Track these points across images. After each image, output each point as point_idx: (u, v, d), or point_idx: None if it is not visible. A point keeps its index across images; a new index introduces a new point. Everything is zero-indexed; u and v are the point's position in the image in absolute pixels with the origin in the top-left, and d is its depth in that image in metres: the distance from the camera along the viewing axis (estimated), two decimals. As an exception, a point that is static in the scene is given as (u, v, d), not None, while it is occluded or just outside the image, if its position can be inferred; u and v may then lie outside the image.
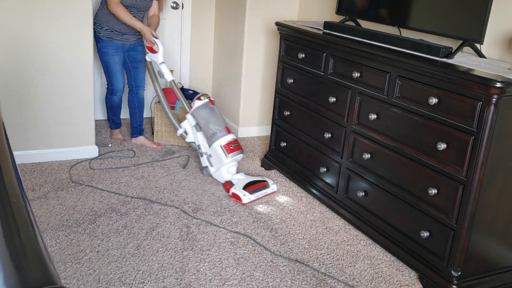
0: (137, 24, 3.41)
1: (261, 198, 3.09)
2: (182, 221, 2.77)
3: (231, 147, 3.14)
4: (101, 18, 3.46)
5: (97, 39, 3.50)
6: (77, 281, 2.21)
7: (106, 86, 3.70)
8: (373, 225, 2.68)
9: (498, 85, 1.98)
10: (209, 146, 3.20)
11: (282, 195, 3.19)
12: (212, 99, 3.28)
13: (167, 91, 3.84)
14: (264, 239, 2.66)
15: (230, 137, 3.17)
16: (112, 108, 3.74)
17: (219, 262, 2.43)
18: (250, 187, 3.06)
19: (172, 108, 3.79)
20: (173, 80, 3.43)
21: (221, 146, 3.13)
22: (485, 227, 2.25)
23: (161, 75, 3.44)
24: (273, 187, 3.18)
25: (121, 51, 3.56)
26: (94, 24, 3.44)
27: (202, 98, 3.25)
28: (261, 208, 2.99)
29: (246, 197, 3.00)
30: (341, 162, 2.87)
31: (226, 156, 3.13)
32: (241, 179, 3.15)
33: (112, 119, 3.82)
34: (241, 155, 3.21)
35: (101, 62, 3.60)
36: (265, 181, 3.17)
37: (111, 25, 3.45)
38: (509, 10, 2.48)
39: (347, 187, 2.85)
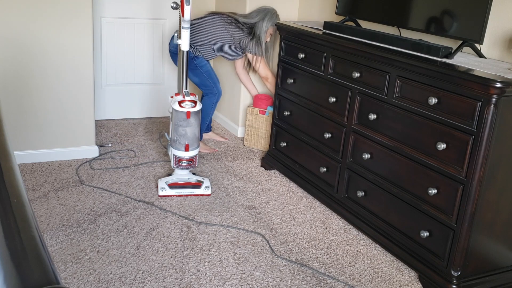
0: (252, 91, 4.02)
1: (184, 196, 3.06)
2: (182, 221, 2.78)
3: (180, 163, 3.10)
4: (206, 51, 3.59)
5: (190, 57, 3.54)
6: (77, 281, 2.21)
7: (207, 97, 3.74)
8: (373, 225, 2.68)
9: (498, 85, 1.98)
10: (169, 142, 3.16)
11: (283, 195, 3.20)
12: (190, 111, 2.98)
13: (259, 98, 3.90)
14: (264, 239, 2.66)
15: (184, 155, 3.08)
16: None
17: (219, 262, 2.43)
18: (177, 183, 3.10)
19: (263, 113, 3.84)
20: (186, 52, 3.06)
21: (174, 155, 3.09)
22: (485, 227, 2.25)
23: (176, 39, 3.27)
24: (205, 190, 3.09)
25: None
26: (191, 47, 3.53)
27: (183, 105, 2.98)
28: (261, 207, 2.99)
29: (163, 191, 3.04)
30: (341, 162, 2.87)
31: (172, 164, 3.11)
32: (179, 176, 3.15)
33: (206, 127, 3.93)
34: (187, 171, 3.17)
35: (202, 76, 3.66)
36: (201, 182, 3.13)
37: (208, 58, 3.67)
38: (509, 10, 2.48)
39: (347, 187, 2.85)
